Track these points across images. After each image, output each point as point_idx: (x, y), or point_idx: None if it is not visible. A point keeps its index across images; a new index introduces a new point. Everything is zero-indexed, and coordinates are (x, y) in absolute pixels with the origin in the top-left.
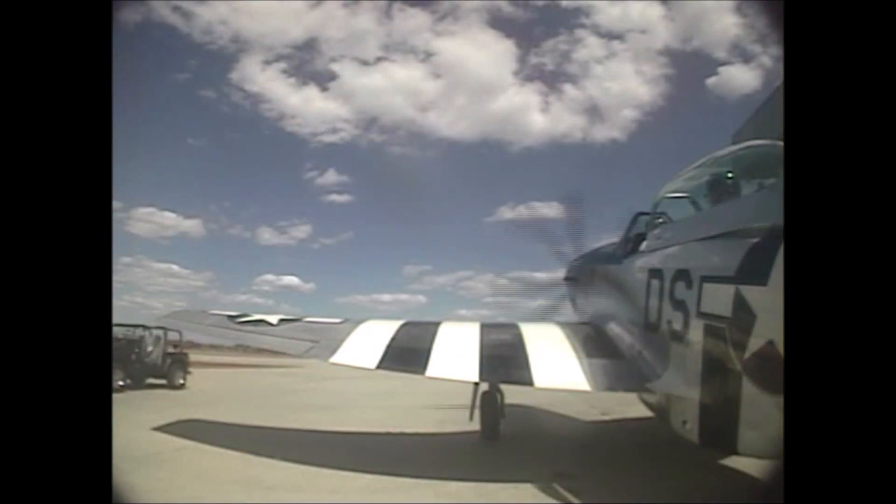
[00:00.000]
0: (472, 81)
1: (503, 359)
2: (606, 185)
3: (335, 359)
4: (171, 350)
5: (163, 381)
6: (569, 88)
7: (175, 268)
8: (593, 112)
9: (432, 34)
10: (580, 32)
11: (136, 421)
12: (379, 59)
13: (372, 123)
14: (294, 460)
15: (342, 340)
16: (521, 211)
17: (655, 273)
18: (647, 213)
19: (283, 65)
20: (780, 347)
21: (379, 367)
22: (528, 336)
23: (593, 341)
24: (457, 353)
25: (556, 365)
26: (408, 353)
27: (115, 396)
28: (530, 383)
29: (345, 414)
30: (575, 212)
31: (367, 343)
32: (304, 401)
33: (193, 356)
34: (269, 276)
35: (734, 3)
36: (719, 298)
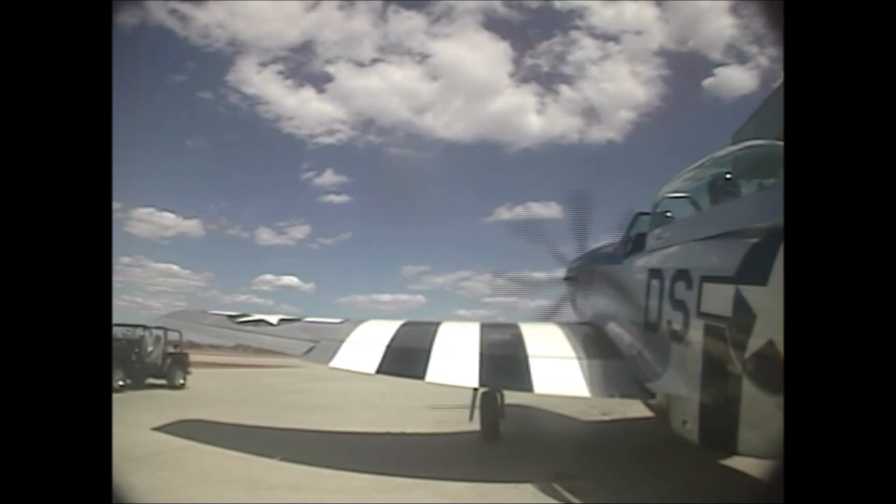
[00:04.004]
0: (468, 83)
1: (503, 365)
2: (604, 185)
3: (335, 363)
4: (171, 350)
5: (163, 382)
6: (565, 90)
7: (175, 268)
8: (589, 113)
9: (427, 36)
10: (575, 34)
11: (136, 421)
12: (375, 61)
13: (369, 125)
14: (294, 460)
15: (342, 342)
16: (519, 212)
17: (655, 273)
18: (646, 213)
19: (279, 67)
20: (780, 347)
21: (379, 371)
22: (528, 338)
23: (593, 342)
24: (456, 359)
25: (557, 370)
26: (407, 358)
27: (116, 396)
28: (530, 389)
29: (345, 414)
30: (572, 212)
31: (366, 347)
32: (304, 401)
33: (193, 356)
34: (269, 277)
35: (729, 4)
36: (719, 298)
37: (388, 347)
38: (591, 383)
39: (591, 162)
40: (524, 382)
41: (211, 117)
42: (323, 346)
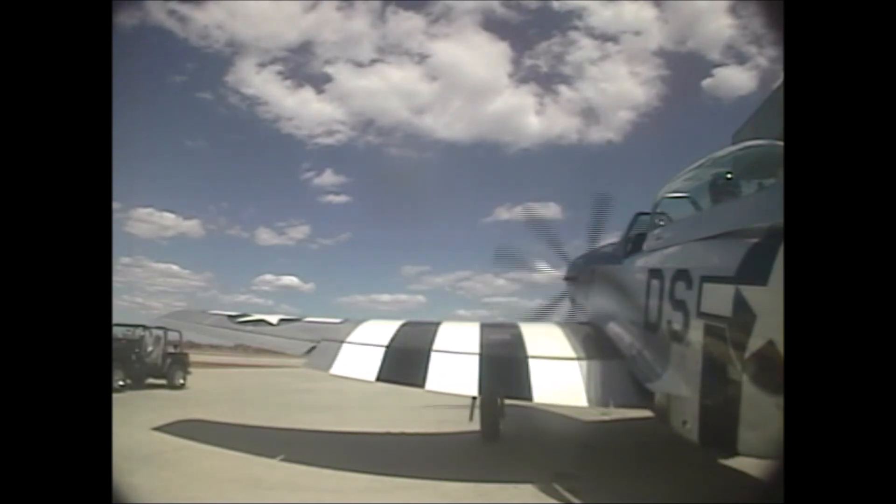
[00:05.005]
0: (467, 83)
1: (503, 371)
2: (603, 186)
3: (335, 370)
4: (171, 350)
5: (163, 381)
6: (564, 90)
7: (174, 268)
8: (589, 113)
9: (426, 36)
10: (574, 34)
11: (136, 421)
12: (374, 62)
13: (368, 125)
14: (294, 460)
15: (341, 343)
16: (518, 212)
17: (655, 273)
18: (646, 213)
19: (279, 67)
20: (780, 347)
21: (378, 379)
22: (527, 339)
23: (593, 342)
24: (456, 366)
25: (557, 376)
26: (407, 364)
27: (116, 396)
28: (530, 398)
29: (345, 414)
30: (571, 213)
31: (365, 352)
32: (303, 400)
33: (193, 356)
34: (269, 277)
35: (728, 4)
36: (719, 298)
37: (387, 353)
38: (590, 391)
39: (591, 162)
40: (524, 390)
41: (210, 118)
42: (323, 349)
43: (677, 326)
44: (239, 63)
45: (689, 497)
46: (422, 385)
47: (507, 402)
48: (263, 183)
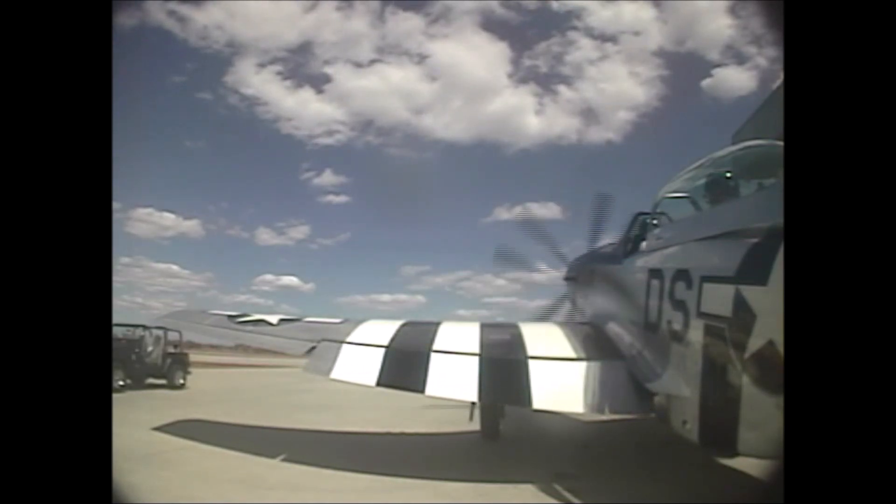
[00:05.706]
0: (466, 84)
1: (502, 378)
2: (603, 186)
3: (335, 374)
4: (171, 350)
5: (163, 381)
6: (563, 90)
7: (174, 268)
8: (588, 114)
9: (426, 37)
10: (573, 34)
11: (136, 421)
12: (373, 62)
13: (368, 125)
14: (294, 460)
15: (341, 344)
16: (518, 212)
17: (655, 273)
18: (646, 213)
19: (278, 67)
20: (780, 347)
21: (378, 384)
22: (528, 342)
23: (594, 342)
24: (455, 371)
25: (557, 382)
26: (406, 368)
27: (116, 396)
28: (529, 406)
29: (345, 414)
30: (571, 213)
31: (365, 355)
32: (303, 400)
33: (193, 356)
34: (269, 277)
35: (728, 5)
36: (719, 298)
37: (387, 356)
38: (590, 396)
39: (591, 162)
40: (523, 397)
41: (210, 118)
42: (322, 350)
43: (677, 326)
44: (238, 63)
45: (689, 497)
46: (422, 390)
47: None
48: (263, 183)
